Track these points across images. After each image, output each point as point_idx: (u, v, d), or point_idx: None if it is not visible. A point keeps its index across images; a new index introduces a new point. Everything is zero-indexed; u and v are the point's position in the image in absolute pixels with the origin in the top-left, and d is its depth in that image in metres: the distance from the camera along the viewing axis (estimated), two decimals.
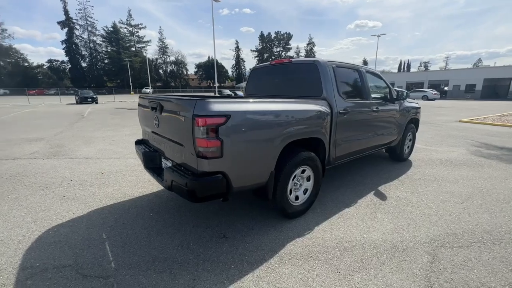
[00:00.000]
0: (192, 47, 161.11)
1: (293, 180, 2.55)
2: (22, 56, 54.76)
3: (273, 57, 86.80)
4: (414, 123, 4.82)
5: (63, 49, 57.08)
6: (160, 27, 75.80)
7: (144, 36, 66.99)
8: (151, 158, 2.64)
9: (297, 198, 2.66)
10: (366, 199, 3.17)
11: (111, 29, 60.28)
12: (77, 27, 57.72)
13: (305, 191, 2.74)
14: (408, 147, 4.82)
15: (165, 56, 69.85)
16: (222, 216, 2.72)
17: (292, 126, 2.33)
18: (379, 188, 3.51)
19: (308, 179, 2.74)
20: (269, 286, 1.77)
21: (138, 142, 3.11)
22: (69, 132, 7.70)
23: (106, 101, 26.67)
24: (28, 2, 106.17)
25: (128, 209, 2.87)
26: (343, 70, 3.22)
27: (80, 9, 57.39)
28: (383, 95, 4.05)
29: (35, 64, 57.66)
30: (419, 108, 4.95)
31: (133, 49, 62.55)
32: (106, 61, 61.98)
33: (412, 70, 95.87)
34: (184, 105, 1.92)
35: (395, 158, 4.69)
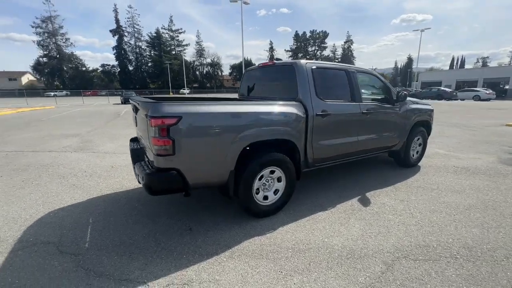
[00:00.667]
0: (229, 49, 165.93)
1: (260, 180, 2.62)
2: (80, 62, 62.22)
3: (307, 57, 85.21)
4: (424, 126, 4.46)
5: (114, 54, 63.45)
6: (198, 30, 79.72)
7: (183, 40, 71.13)
8: (137, 154, 2.93)
9: (266, 198, 2.72)
10: (348, 204, 3.07)
11: (154, 34, 65.21)
12: (126, 34, 63.66)
13: (276, 191, 2.78)
14: (417, 152, 4.47)
15: (202, 59, 73.14)
16: (197, 211, 2.90)
17: (251, 128, 2.39)
18: (368, 193, 3.36)
19: (279, 180, 2.77)
20: (208, 277, 1.89)
21: (132, 140, 3.44)
22: (102, 129, 8.65)
23: None
24: (89, 14, 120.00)
25: (120, 199, 3.21)
26: (326, 72, 3.16)
27: (128, 18, 63.25)
28: (380, 97, 3.85)
29: (91, 68, 65.07)
30: (431, 109, 4.55)
31: (173, 52, 66.69)
32: (149, 64, 67.24)
33: (466, 66, 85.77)
34: (145, 106, 2.13)
35: (400, 163, 4.39)
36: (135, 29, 64.11)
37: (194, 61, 72.42)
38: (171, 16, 73.35)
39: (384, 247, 2.24)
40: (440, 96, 27.91)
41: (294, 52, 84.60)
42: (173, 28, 67.61)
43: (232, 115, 2.32)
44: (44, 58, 57.09)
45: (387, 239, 2.35)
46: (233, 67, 77.99)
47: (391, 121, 3.83)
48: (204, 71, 75.04)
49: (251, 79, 3.93)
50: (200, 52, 72.62)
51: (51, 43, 57.50)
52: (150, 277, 1.88)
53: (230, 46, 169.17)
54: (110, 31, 62.77)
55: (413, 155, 4.40)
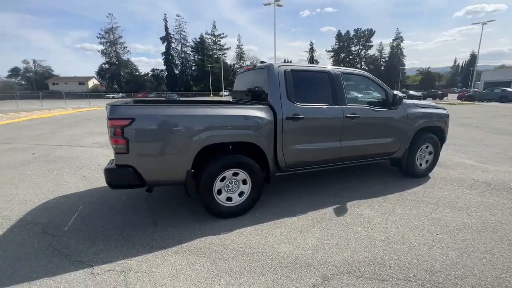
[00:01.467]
0: (272, 51, 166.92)
1: (222, 181, 2.68)
2: (135, 67, 69.31)
3: (350, 57, 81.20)
4: (435, 132, 3.97)
5: (163, 59, 69.19)
6: (239, 34, 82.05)
7: (225, 44, 73.99)
8: None
9: (230, 199, 2.76)
10: (322, 211, 2.93)
11: (199, 40, 69.26)
12: (174, 40, 68.92)
13: (241, 194, 2.81)
14: (427, 161, 4.00)
15: (241, 61, 75.11)
16: (172, 207, 3.08)
17: (206, 131, 2.47)
18: (350, 202, 3.15)
19: (245, 182, 2.79)
20: (146, 268, 2.03)
21: None
22: None
23: None
24: (146, 24, 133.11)
25: (111, 191, 3.57)
26: (303, 74, 3.07)
27: (176, 26, 68.35)
28: (373, 100, 3.58)
29: (143, 73, 71.98)
30: (444, 114, 4.02)
31: (215, 56, 69.87)
32: (193, 68, 71.66)
33: None
34: (107, 109, 2.38)
35: (404, 172, 3.98)
36: (181, 36, 69.08)
37: (234, 64, 74.80)
38: (214, 22, 77.41)
39: (333, 260, 2.11)
40: (505, 98, 23.99)
41: (336, 52, 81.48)
42: (216, 33, 70.95)
43: (186, 118, 2.44)
44: (106, 65, 65.14)
45: (341, 252, 2.20)
46: None
47: (386, 126, 3.52)
48: None
49: (240, 83, 4.01)
50: (240, 55, 74.76)
51: (112, 51, 65.33)
52: (98, 262, 2.10)
53: (272, 47, 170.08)
54: (160, 38, 68.69)
55: (420, 165, 3.96)
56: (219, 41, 72.15)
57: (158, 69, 72.37)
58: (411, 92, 32.51)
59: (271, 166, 2.92)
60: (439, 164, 4.53)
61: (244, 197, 2.81)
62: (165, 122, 2.35)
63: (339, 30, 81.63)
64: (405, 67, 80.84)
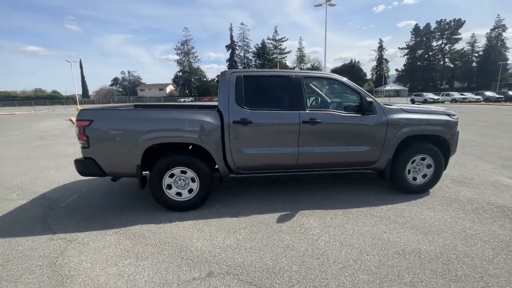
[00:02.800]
0: (339, 52, 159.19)
1: (171, 177, 3.00)
2: (203, 74, 76.67)
3: (430, 53, 70.46)
4: (435, 142, 3.36)
5: (227, 66, 74.39)
6: (300, 37, 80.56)
7: (285, 47, 74.52)
8: None
9: (179, 194, 3.06)
10: (265, 216, 2.92)
11: (260, 45, 71.84)
12: (237, 47, 73.38)
13: (190, 190, 3.07)
14: (424, 175, 3.42)
15: (302, 64, 74.25)
16: (144, 198, 3.56)
17: (153, 132, 2.82)
18: (303, 211, 3.02)
19: (193, 180, 3.04)
20: (86, 241, 2.50)
21: None
22: None
23: None
24: (218, 34, 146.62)
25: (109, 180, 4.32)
26: (257, 80, 3.12)
27: (240, 33, 72.60)
28: (348, 105, 3.31)
29: (210, 79, 78.95)
30: (447, 121, 3.35)
31: (275, 60, 71.18)
32: None
33: None
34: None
35: (394, 186, 3.51)
36: (244, 43, 73.00)
37: (294, 67, 74.59)
38: (275, 27, 78.63)
39: (232, 261, 2.16)
40: None
41: (411, 49, 71.94)
42: (277, 38, 72.23)
43: (135, 120, 2.85)
44: (180, 73, 74.13)
45: (247, 256, 2.23)
46: (334, 71, 74.88)
47: (359, 133, 3.21)
48: None
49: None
50: (300, 58, 74.10)
51: (185, 60, 73.94)
52: (61, 231, 2.69)
53: (340, 48, 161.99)
54: (226, 46, 74.15)
55: (414, 179, 3.42)
56: (280, 45, 73.16)
57: None
58: None
59: (221, 167, 3.08)
60: (460, 180, 3.82)
61: (193, 194, 3.06)
62: (116, 124, 2.83)
63: (416, 24, 71.77)
64: (508, 62, 65.00)
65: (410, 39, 71.80)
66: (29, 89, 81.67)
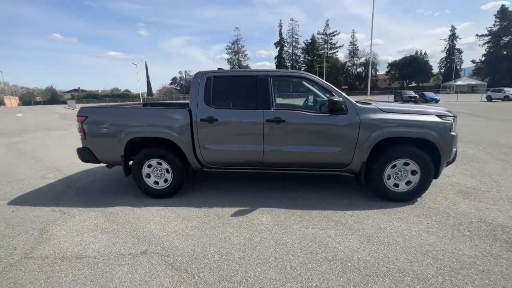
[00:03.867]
0: (403, 43, 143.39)
1: (149, 168, 3.41)
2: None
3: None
4: (423, 146, 3.00)
5: (275, 63, 74.64)
6: (353, 30, 74.57)
7: (337, 42, 70.78)
8: None
9: (156, 183, 3.45)
10: (225, 210, 3.08)
11: (310, 41, 69.78)
12: (286, 44, 72.77)
13: (166, 180, 3.43)
14: (408, 182, 3.10)
15: (355, 59, 69.55)
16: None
17: (132, 127, 3.25)
18: (262, 209, 3.08)
19: (168, 171, 3.39)
20: (74, 214, 3.08)
21: None
22: None
23: None
24: (269, 31, 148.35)
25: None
26: (226, 80, 3.27)
27: (289, 30, 71.78)
28: (321, 104, 3.21)
29: None
30: (435, 123, 2.93)
31: (325, 55, 68.34)
32: (302, 69, 73.24)
33: None
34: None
35: (373, 191, 3.27)
36: (293, 39, 71.95)
37: (345, 63, 70.44)
38: (327, 20, 75.31)
39: (168, 244, 2.41)
40: None
41: (495, 36, 60.23)
42: (328, 32, 69.11)
43: (119, 116, 3.32)
44: None
45: (183, 241, 2.45)
46: (392, 65, 68.05)
47: (328, 133, 3.09)
48: (357, 71, 71.03)
49: None
50: (353, 53, 69.43)
51: (235, 59, 76.75)
52: (64, 205, 3.35)
53: (405, 39, 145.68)
54: (274, 43, 74.31)
55: (396, 185, 3.12)
56: (331, 39, 69.84)
57: None
58: None
59: (191, 161, 3.35)
60: (468, 192, 3.37)
61: (168, 183, 3.41)
62: (105, 119, 3.36)
63: (502, 5, 59.63)
64: None
65: (494, 24, 60.20)
66: (108, 89, 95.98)
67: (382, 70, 71.70)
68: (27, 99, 76.47)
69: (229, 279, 1.94)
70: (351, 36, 70.50)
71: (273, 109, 3.14)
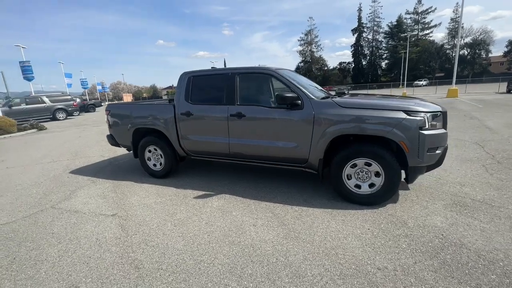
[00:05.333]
0: None
1: (150, 152, 4.20)
2: (324, 63, 74.67)
3: None
4: (387, 146, 2.67)
5: (351, 51, 68.79)
6: (457, 4, 59.73)
7: (431, 20, 59.26)
8: None
9: (155, 165, 4.22)
10: (193, 192, 3.55)
11: (395, 23, 60.85)
12: (365, 30, 65.75)
13: (160, 164, 4.16)
14: (371, 185, 2.82)
15: (455, 40, 56.65)
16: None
17: (137, 119, 4.07)
18: (228, 196, 3.40)
19: (161, 156, 4.11)
20: (86, 188, 4.17)
21: None
22: None
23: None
24: (351, 17, 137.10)
25: None
26: (203, 79, 3.66)
27: (370, 13, 64.36)
28: (273, 99, 3.27)
29: (331, 67, 75.97)
30: (397, 120, 2.51)
31: (413, 38, 58.37)
32: (383, 56, 64.98)
33: None
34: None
35: (335, 191, 3.11)
36: (374, 23, 64.24)
37: (442, 45, 58.45)
38: None
39: (131, 212, 3.08)
40: None
41: None
42: (419, 10, 58.54)
43: (129, 110, 4.20)
44: (301, 63, 75.79)
45: (140, 211, 3.07)
46: None
47: (284, 128, 3.10)
48: (461, 53, 57.98)
49: None
50: (453, 32, 56.73)
51: (308, 50, 74.51)
52: (96, 177, 4.53)
53: None
54: (351, 30, 68.19)
55: (358, 186, 2.89)
56: (424, 18, 58.94)
57: (345, 62, 73.06)
58: None
59: (177, 149, 3.94)
60: (465, 204, 2.86)
61: (162, 166, 4.14)
62: (119, 113, 4.30)
63: None
64: None
65: None
66: None
67: (498, 51, 55.99)
68: (137, 95, 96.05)
69: (148, 243, 2.42)
70: (453, 11, 57.71)
71: (237, 104, 3.37)
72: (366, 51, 66.85)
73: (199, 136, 3.70)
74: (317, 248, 2.20)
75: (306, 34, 73.20)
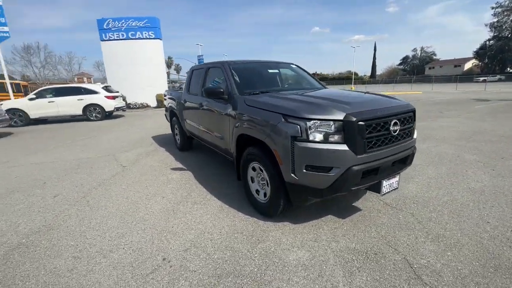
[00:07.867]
0: None
1: (176, 129, 5.41)
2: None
3: None
4: (267, 149, 2.26)
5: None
6: None
7: None
8: None
9: (177, 141, 5.41)
10: (178, 174, 4.38)
11: None
12: None
13: (178, 139, 5.28)
14: (265, 194, 2.49)
15: None
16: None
17: (168, 102, 5.32)
18: (209, 186, 3.98)
19: (177, 134, 5.20)
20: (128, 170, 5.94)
21: None
22: None
23: None
24: None
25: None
26: (197, 71, 4.22)
27: None
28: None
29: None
30: (265, 121, 2.01)
31: None
32: None
33: None
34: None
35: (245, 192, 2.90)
36: None
37: None
38: None
39: (120, 180, 4.37)
40: None
41: None
42: None
43: (168, 95, 5.50)
44: (491, 41, 53.87)
45: (126, 184, 4.28)
46: None
47: (217, 120, 3.25)
48: None
49: None
50: None
51: (508, 21, 51.52)
52: (130, 161, 6.37)
53: None
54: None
55: (261, 194, 2.57)
56: None
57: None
58: None
59: (185, 129, 4.84)
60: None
61: (179, 142, 5.25)
62: (169, 95, 5.72)
63: None
64: None
65: None
66: (343, 71, 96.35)
67: None
68: None
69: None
70: None
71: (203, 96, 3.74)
72: None
73: (190, 120, 4.42)
74: (204, 242, 2.43)
75: None
